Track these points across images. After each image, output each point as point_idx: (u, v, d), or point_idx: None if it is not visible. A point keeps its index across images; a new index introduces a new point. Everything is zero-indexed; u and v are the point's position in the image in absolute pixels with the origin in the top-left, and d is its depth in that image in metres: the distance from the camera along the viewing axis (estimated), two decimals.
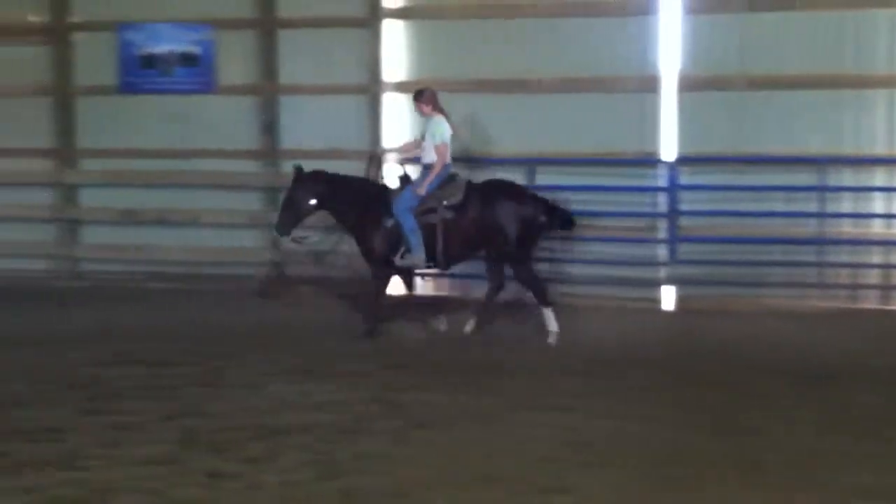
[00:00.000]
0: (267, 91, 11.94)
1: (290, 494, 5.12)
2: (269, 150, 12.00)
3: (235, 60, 11.97)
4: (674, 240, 10.66)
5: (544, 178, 10.82)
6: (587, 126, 10.88)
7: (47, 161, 12.56)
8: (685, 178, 10.62)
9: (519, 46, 11.11)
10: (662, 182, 10.75)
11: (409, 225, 8.96)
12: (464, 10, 11.28)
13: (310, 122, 11.81)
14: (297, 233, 9.35)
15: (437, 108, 9.16)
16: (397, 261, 9.10)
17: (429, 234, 8.97)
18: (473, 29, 11.27)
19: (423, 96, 9.20)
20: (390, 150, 10.14)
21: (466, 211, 9.03)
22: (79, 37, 12.38)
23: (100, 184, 12.43)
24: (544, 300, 9.04)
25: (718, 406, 6.82)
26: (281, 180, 11.96)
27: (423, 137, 9.25)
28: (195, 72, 11.96)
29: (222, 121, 12.05)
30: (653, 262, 10.89)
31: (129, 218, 12.18)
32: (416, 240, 8.96)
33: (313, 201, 9.20)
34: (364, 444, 5.93)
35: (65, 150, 12.47)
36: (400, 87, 11.49)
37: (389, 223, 9.07)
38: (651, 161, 10.82)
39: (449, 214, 9.00)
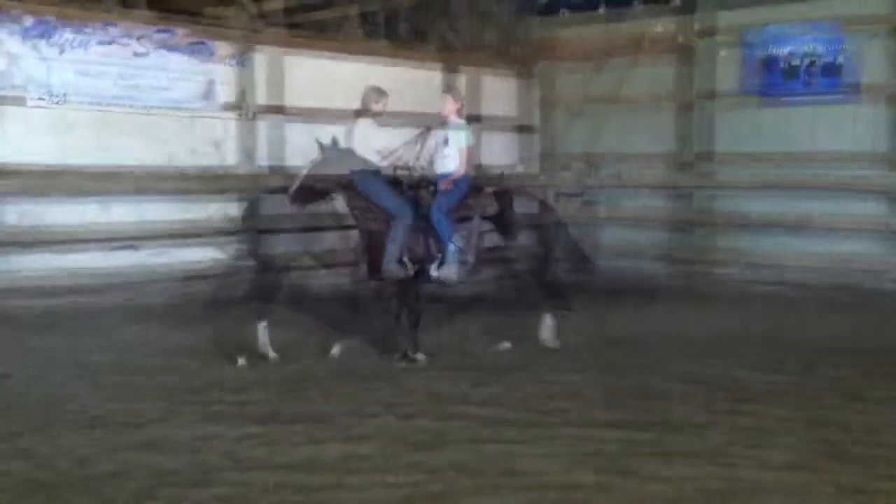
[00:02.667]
0: None
1: None
2: None
3: (871, 63, 11.38)
4: None
5: None
6: None
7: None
8: None
9: None
10: None
11: (448, 232, 7.80)
12: None
13: None
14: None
15: (462, 112, 8.08)
16: (432, 272, 7.88)
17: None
18: None
19: (457, 93, 8.27)
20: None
21: (502, 222, 8.13)
22: (702, 45, 12.61)
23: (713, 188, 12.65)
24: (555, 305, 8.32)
25: None
26: None
27: (445, 143, 7.99)
28: (829, 78, 11.64)
29: (853, 125, 11.56)
30: None
31: (743, 223, 12.24)
32: (454, 249, 7.81)
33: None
34: None
35: (681, 156, 12.84)
36: None
37: (423, 227, 7.85)
38: None
39: (485, 226, 8.10)
